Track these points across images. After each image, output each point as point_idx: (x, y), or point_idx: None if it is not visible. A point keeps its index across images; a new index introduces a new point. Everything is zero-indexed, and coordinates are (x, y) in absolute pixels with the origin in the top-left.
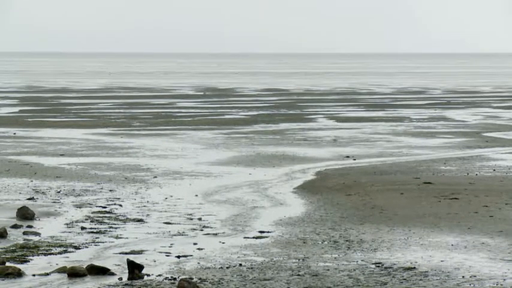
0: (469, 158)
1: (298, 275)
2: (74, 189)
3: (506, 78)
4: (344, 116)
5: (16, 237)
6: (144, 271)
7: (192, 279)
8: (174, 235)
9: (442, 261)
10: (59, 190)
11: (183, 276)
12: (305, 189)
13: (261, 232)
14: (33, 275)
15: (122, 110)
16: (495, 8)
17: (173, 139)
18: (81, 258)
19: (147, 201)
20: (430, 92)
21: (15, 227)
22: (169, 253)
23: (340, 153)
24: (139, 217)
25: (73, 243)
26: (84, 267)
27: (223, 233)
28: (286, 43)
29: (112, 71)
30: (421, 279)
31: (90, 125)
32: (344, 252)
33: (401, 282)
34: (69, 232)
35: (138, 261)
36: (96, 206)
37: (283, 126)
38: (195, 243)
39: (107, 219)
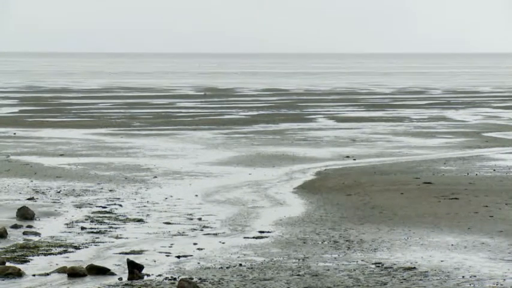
0: (469, 158)
1: (298, 275)
2: (74, 189)
3: (506, 78)
4: (344, 116)
5: (16, 237)
6: (144, 271)
7: (192, 279)
8: (174, 235)
9: (442, 261)
10: (59, 190)
11: (183, 276)
12: (305, 189)
13: (261, 232)
14: (33, 275)
15: (122, 110)
16: (495, 8)
17: (173, 139)
18: (81, 258)
19: (147, 201)
20: (430, 92)
21: (15, 227)
22: (169, 253)
23: (340, 153)
24: (139, 217)
25: (73, 243)
26: (84, 267)
27: (223, 233)
28: (286, 43)
29: (112, 71)
30: (421, 279)
31: (90, 125)
32: (344, 252)
33: (401, 282)
34: (69, 232)
35: (138, 261)
36: (96, 206)
37: (283, 126)
38: (195, 243)
39: (107, 219)
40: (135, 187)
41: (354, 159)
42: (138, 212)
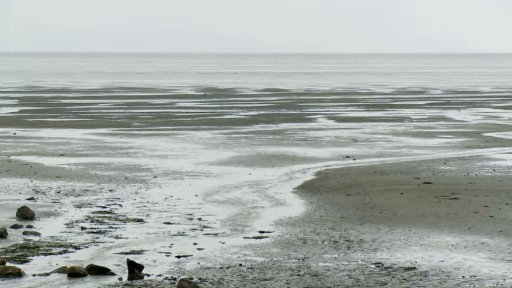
0: (469, 158)
1: (298, 275)
2: (74, 189)
3: (506, 78)
4: (344, 116)
5: (16, 237)
6: (144, 271)
7: (192, 279)
8: (174, 235)
9: (442, 261)
10: (59, 190)
11: (183, 276)
12: (305, 189)
13: (261, 232)
14: (33, 275)
15: (122, 110)
16: (495, 8)
17: (173, 139)
18: (81, 258)
19: (147, 201)
20: (430, 92)
21: (15, 227)
22: (169, 253)
23: (340, 153)
24: (139, 217)
25: (73, 243)
26: (84, 267)
27: (223, 233)
28: (286, 43)
29: (112, 71)
30: (421, 279)
31: (90, 125)
32: (344, 252)
33: (401, 282)
34: (69, 232)
35: (138, 261)
36: (96, 206)
37: (283, 126)
38: (195, 243)
39: (107, 219)
40: (135, 187)
41: (354, 159)
42: (138, 212)
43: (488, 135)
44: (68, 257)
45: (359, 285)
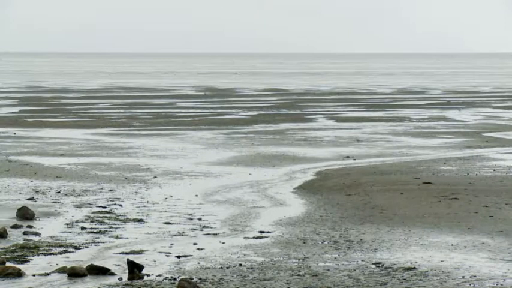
0: (469, 158)
1: (298, 275)
2: (74, 189)
3: (506, 78)
4: (344, 116)
5: (16, 237)
6: (144, 271)
7: (192, 279)
8: (174, 235)
9: (442, 261)
10: (59, 190)
11: (183, 276)
12: (305, 189)
13: (261, 232)
14: (33, 275)
15: (122, 110)
16: (495, 8)
17: (173, 139)
18: (81, 258)
19: (147, 201)
20: (430, 92)
21: (15, 227)
22: (169, 253)
23: (340, 153)
24: (139, 217)
25: (73, 243)
26: (84, 267)
27: (223, 233)
28: (286, 43)
29: (112, 71)
30: (421, 279)
31: (90, 125)
32: (344, 252)
33: (401, 282)
34: (69, 232)
35: (138, 261)
36: (96, 206)
37: (283, 126)
38: (195, 243)
39: (107, 219)
40: (135, 187)
41: (354, 159)
42: (138, 212)
43: (488, 135)
44: (68, 257)
45: (359, 285)
